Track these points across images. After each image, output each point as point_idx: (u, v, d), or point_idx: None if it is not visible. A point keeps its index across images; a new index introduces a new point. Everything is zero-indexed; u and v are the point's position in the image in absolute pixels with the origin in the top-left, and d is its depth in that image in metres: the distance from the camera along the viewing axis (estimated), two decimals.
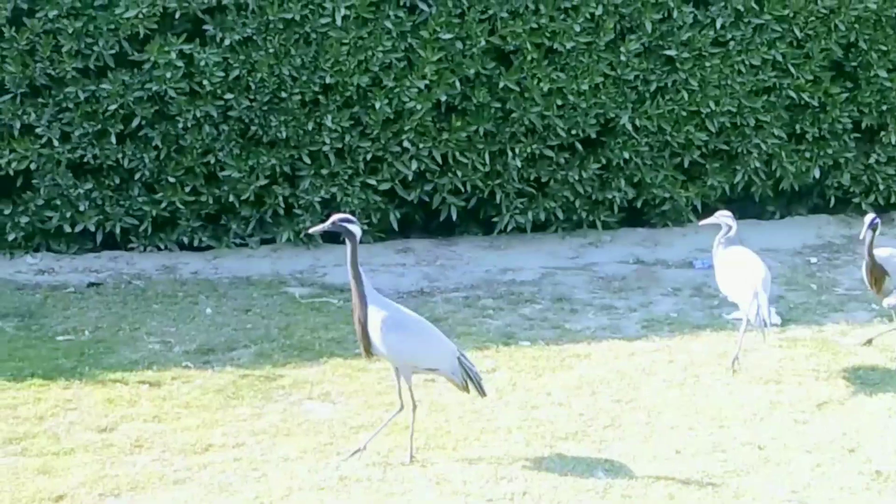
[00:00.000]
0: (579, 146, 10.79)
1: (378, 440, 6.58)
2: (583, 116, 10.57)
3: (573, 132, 10.63)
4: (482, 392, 6.51)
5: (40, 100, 9.82)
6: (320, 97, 10.16)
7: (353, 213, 10.33)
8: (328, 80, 10.06)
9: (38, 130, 9.81)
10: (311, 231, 6.92)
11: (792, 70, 11.03)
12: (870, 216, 7.69)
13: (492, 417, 6.96)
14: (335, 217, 6.50)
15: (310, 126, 10.15)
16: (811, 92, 11.09)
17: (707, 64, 10.75)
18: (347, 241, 6.41)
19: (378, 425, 6.71)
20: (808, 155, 11.32)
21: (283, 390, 7.39)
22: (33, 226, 9.95)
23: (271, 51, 9.91)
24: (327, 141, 10.20)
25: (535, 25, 10.31)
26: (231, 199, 10.16)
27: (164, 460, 6.36)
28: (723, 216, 8.06)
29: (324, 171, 10.30)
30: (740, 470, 6.31)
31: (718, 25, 10.73)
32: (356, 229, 6.44)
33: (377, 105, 10.14)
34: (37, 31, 9.63)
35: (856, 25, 10.97)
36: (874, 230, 7.63)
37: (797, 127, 11.29)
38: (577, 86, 10.47)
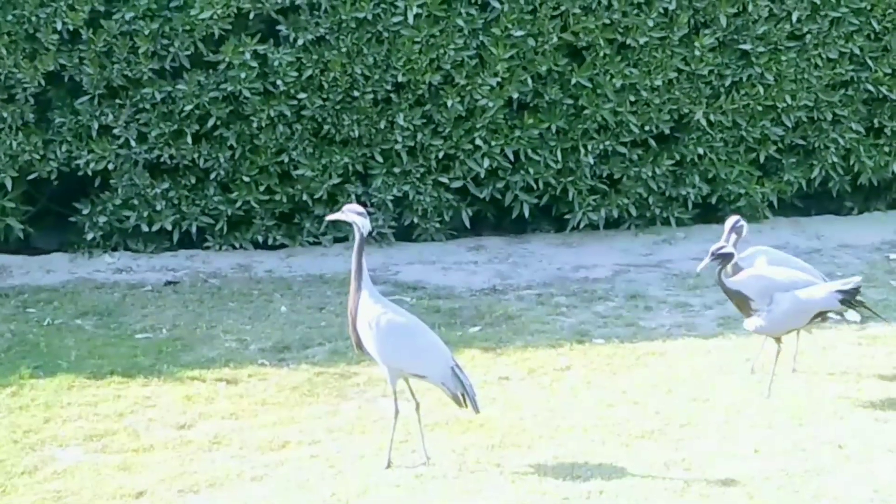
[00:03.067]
0: (652, 142, 10.71)
1: (451, 436, 6.59)
2: (656, 112, 10.50)
3: (646, 128, 10.56)
4: (476, 408, 6.22)
5: (117, 101, 9.96)
6: (392, 95, 10.19)
7: (424, 211, 10.37)
8: (400, 79, 10.09)
9: (115, 131, 9.95)
10: (328, 218, 6.89)
11: (870, 63, 10.87)
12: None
13: (567, 416, 6.93)
14: (347, 207, 6.36)
15: (382, 124, 10.19)
16: (889, 85, 10.93)
17: (783, 58, 10.63)
18: (356, 232, 6.22)
19: (452, 422, 6.73)
20: (886, 149, 11.16)
21: (357, 388, 7.42)
22: (111, 225, 10.10)
23: (344, 50, 9.96)
24: (399, 139, 10.23)
25: (607, 21, 10.25)
26: (305, 197, 10.23)
27: (241, 457, 6.42)
28: (732, 229, 7.43)
29: (396, 170, 10.33)
30: (820, 469, 6.22)
31: (794, 19, 10.60)
32: (364, 223, 6.21)
33: (449, 103, 10.15)
34: (114, 33, 9.77)
35: None
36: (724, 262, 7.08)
37: (875, 121, 11.13)
38: (650, 81, 10.40)
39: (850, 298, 7.06)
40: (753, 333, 7.27)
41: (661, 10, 10.33)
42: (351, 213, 6.30)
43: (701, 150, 10.70)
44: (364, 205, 10.29)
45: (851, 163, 11.11)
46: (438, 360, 6.21)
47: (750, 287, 7.16)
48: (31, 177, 10.01)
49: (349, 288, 6.34)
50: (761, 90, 10.66)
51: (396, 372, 6.23)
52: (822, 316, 7.16)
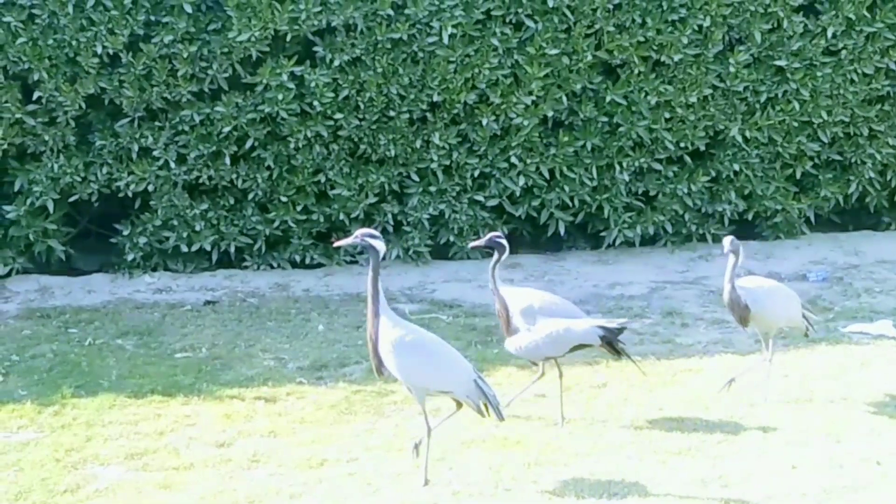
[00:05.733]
0: (688, 159, 10.71)
1: (487, 453, 6.62)
2: (691, 129, 10.51)
3: (682, 145, 10.57)
4: (500, 416, 6.30)
5: (157, 123, 10.08)
6: (428, 115, 10.25)
7: (460, 229, 10.41)
8: (435, 98, 10.15)
9: (155, 153, 10.07)
10: (336, 245, 6.82)
11: None
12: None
13: (603, 432, 6.94)
14: (360, 231, 6.37)
15: (418, 144, 10.25)
16: None
17: (818, 73, 10.61)
18: (370, 256, 6.25)
19: (488, 440, 6.77)
20: None
21: (394, 406, 7.46)
22: (151, 246, 10.21)
23: (380, 70, 10.03)
24: (435, 158, 10.29)
25: (641, 38, 10.28)
26: (341, 217, 10.30)
27: (280, 475, 6.47)
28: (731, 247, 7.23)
29: (432, 189, 10.39)
30: (858, 486, 6.19)
31: (830, 34, 10.58)
32: (380, 245, 6.28)
33: (484, 122, 10.21)
34: (153, 56, 9.89)
35: None
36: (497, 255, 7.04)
37: None
38: (685, 98, 10.41)
39: (611, 337, 6.99)
40: (513, 353, 7.21)
41: (696, 28, 10.34)
42: (366, 238, 6.29)
43: (737, 167, 10.69)
44: (400, 224, 10.37)
45: (888, 178, 11.06)
46: (462, 375, 6.28)
47: (515, 302, 7.12)
48: (72, 199, 10.14)
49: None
50: (797, 106, 10.64)
51: (422, 391, 6.28)
52: (580, 349, 7.09)
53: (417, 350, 6.23)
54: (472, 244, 7.50)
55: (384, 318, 6.26)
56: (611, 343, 7.02)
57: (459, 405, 6.36)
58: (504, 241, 7.15)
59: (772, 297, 7.34)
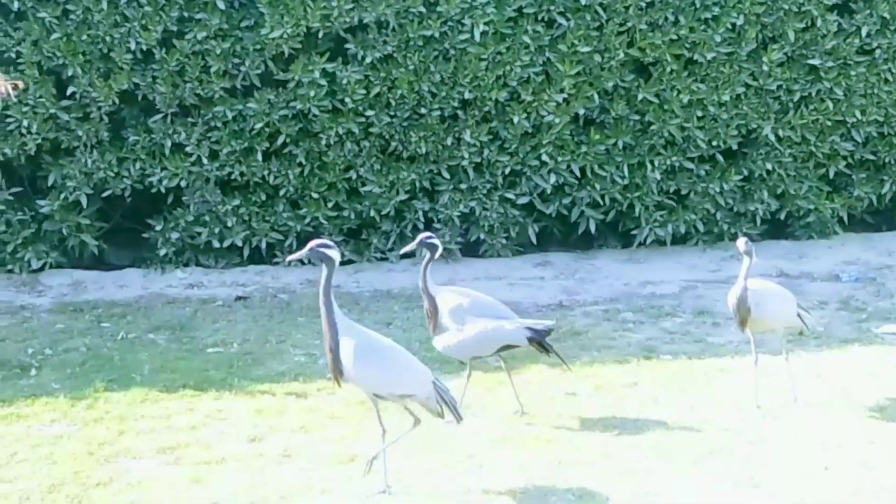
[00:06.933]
0: (720, 158, 10.68)
1: (517, 452, 6.61)
2: (724, 128, 10.47)
3: (714, 143, 10.53)
4: (458, 416, 6.30)
5: (190, 119, 10.13)
6: (459, 112, 10.26)
7: (491, 227, 10.41)
8: (467, 96, 10.15)
9: (187, 149, 10.12)
10: (289, 259, 6.69)
11: None
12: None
13: (634, 432, 6.92)
14: (313, 243, 6.24)
15: (449, 141, 10.26)
16: None
17: (852, 73, 10.55)
18: (324, 266, 6.15)
19: (518, 438, 6.76)
20: None
21: None
22: (183, 241, 10.27)
23: (411, 67, 10.04)
24: (466, 155, 10.29)
25: (674, 37, 10.25)
26: (372, 213, 10.32)
27: (311, 470, 6.48)
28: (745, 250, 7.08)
29: (462, 186, 10.39)
30: (890, 487, 6.15)
31: (864, 33, 10.52)
32: (335, 255, 6.17)
33: (515, 119, 10.20)
34: (186, 53, 9.94)
35: None
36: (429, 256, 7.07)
37: None
38: (717, 97, 10.37)
39: (538, 338, 6.98)
40: (443, 353, 7.20)
41: (729, 26, 10.30)
42: (319, 249, 6.18)
43: (769, 166, 10.64)
44: (430, 221, 10.38)
45: None
46: (421, 378, 6.26)
47: (445, 301, 7.11)
48: (105, 194, 10.21)
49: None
50: (830, 105, 10.58)
51: (388, 396, 6.22)
52: (508, 349, 7.08)
53: (379, 357, 6.18)
54: (403, 249, 7.54)
55: (341, 328, 6.18)
56: (540, 343, 7.04)
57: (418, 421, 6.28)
58: (436, 242, 7.18)
59: (773, 300, 7.24)
